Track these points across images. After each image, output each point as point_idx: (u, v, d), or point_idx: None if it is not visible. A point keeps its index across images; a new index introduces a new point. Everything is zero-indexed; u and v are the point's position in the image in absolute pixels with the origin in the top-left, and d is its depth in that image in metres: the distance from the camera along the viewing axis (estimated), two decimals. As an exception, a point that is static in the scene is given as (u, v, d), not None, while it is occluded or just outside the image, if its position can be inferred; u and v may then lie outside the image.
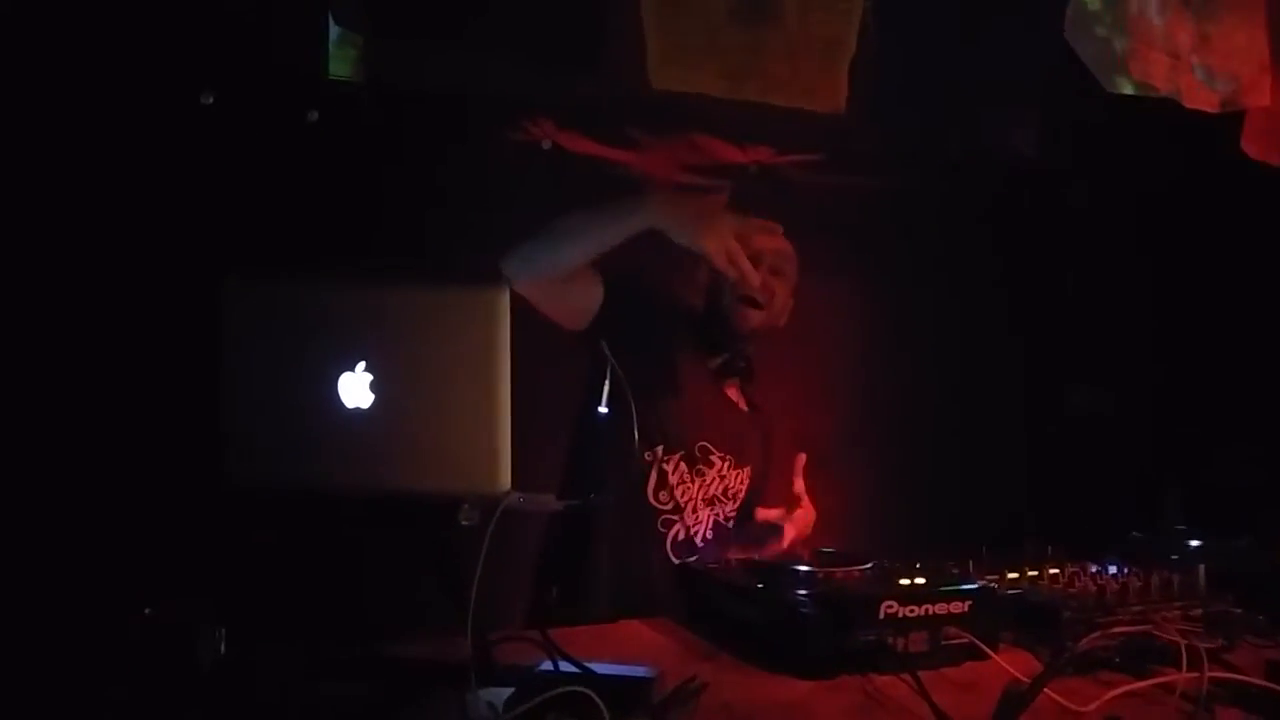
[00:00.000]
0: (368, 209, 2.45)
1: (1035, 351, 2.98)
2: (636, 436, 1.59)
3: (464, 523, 1.17)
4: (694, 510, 2.20)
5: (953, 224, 2.87)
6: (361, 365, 1.20)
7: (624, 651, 1.56)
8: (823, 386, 2.79)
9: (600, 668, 1.33)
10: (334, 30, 2.28)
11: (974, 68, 2.06)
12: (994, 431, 2.96)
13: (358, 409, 1.20)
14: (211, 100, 2.25)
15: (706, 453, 2.20)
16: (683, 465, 2.17)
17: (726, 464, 2.24)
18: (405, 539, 1.23)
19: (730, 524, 2.27)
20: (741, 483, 2.29)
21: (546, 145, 2.69)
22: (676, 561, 2.10)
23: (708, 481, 2.21)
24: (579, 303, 1.97)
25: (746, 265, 1.73)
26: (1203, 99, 2.13)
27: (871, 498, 2.83)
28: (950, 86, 2.05)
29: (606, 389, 1.61)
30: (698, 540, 2.21)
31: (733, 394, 2.31)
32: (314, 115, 2.41)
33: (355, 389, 1.21)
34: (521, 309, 1.21)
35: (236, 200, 2.27)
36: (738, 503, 2.29)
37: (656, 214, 1.75)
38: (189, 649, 1.23)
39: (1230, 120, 2.20)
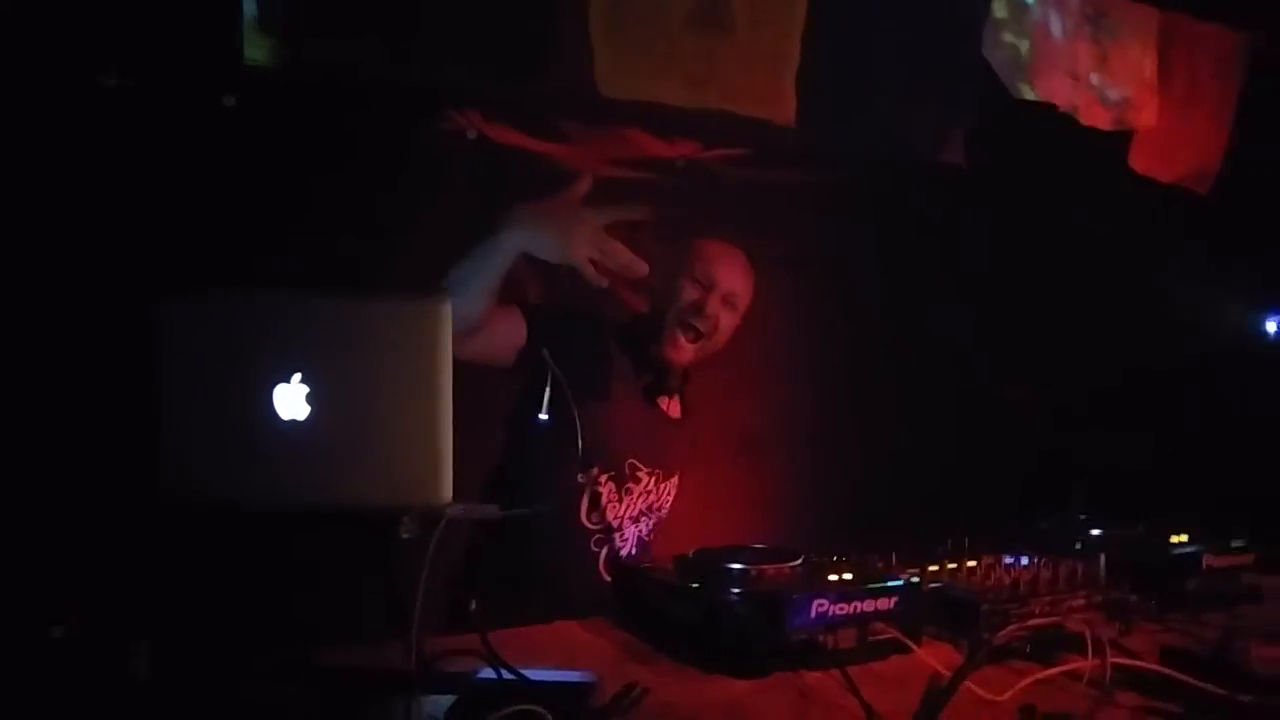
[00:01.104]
0: (291, 201, 2.36)
1: (957, 344, 3.06)
2: (581, 442, 1.57)
3: (404, 535, 1.15)
4: (621, 529, 2.18)
5: (883, 218, 2.91)
6: (297, 377, 1.16)
7: (560, 654, 1.53)
8: (755, 376, 2.80)
9: (539, 674, 1.31)
10: (250, 12, 2.17)
11: (903, 76, 2.10)
12: (919, 423, 3.02)
13: (293, 421, 1.17)
14: (116, 83, 2.11)
15: (634, 469, 2.17)
16: (611, 484, 2.14)
17: (654, 478, 2.21)
18: (344, 550, 1.20)
19: (651, 538, 2.25)
20: (668, 494, 2.27)
21: (472, 135, 2.60)
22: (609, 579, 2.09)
23: (634, 498, 2.18)
24: (502, 342, 1.94)
25: (624, 256, 1.63)
26: (1097, 117, 2.23)
27: (799, 487, 2.86)
28: (880, 93, 2.09)
29: (548, 396, 1.59)
30: (624, 555, 2.17)
31: (663, 403, 2.27)
32: (230, 101, 2.31)
33: (291, 401, 1.17)
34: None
35: (158, 194, 2.16)
36: (662, 514, 2.27)
37: (519, 239, 1.68)
38: (120, 663, 1.18)
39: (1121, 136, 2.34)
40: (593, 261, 1.61)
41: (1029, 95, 2.36)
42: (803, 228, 2.83)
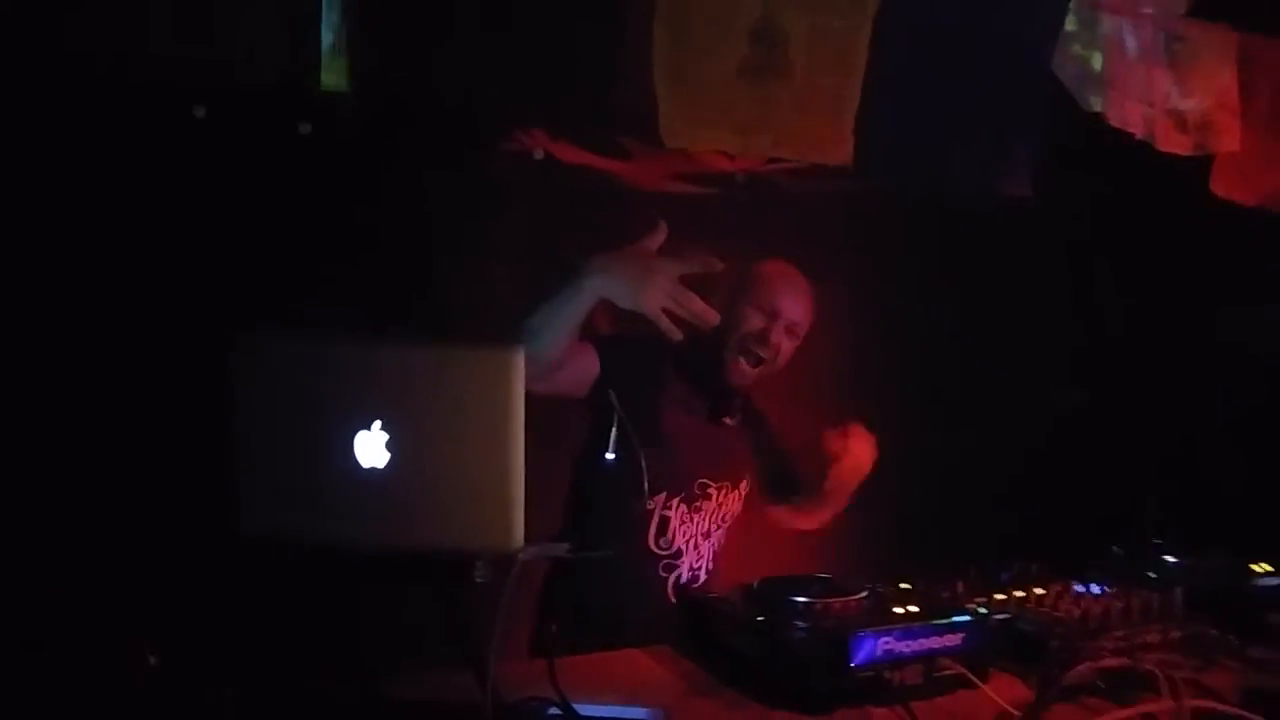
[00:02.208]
0: (365, 225, 2.41)
1: (1022, 359, 2.99)
2: (646, 483, 1.58)
3: (479, 580, 1.17)
4: (695, 547, 2.19)
5: (948, 235, 2.88)
6: (378, 424, 1.19)
7: (626, 685, 1.52)
8: (819, 391, 2.80)
9: (602, 710, 1.33)
10: (327, 39, 2.20)
11: (967, 107, 2.06)
12: (980, 441, 2.96)
13: (373, 468, 1.19)
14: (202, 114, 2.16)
15: (705, 488, 2.18)
16: (683, 507, 2.15)
17: (723, 491, 2.22)
18: (421, 593, 1.23)
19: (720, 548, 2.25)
20: (737, 501, 2.27)
21: (539, 155, 2.62)
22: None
23: (705, 515, 2.19)
24: (575, 376, 1.98)
25: (696, 305, 1.66)
26: (1175, 143, 2.16)
27: (863, 506, 2.84)
28: (943, 126, 2.05)
29: (614, 436, 1.61)
30: (701, 574, 2.20)
31: (729, 420, 2.26)
32: (306, 128, 2.35)
33: (371, 447, 1.19)
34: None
35: (235, 221, 2.22)
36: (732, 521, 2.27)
37: (598, 286, 1.71)
38: (195, 695, 1.22)
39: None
40: (666, 311, 1.63)
41: (1099, 107, 2.30)
42: (863, 245, 2.80)
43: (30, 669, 1.24)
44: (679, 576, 2.16)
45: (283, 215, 2.25)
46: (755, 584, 1.71)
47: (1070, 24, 2.35)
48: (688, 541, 2.17)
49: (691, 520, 2.17)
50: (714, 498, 2.20)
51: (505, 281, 2.54)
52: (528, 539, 1.19)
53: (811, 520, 2.31)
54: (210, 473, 1.20)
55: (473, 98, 2.21)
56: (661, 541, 2.13)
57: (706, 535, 2.20)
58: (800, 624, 1.52)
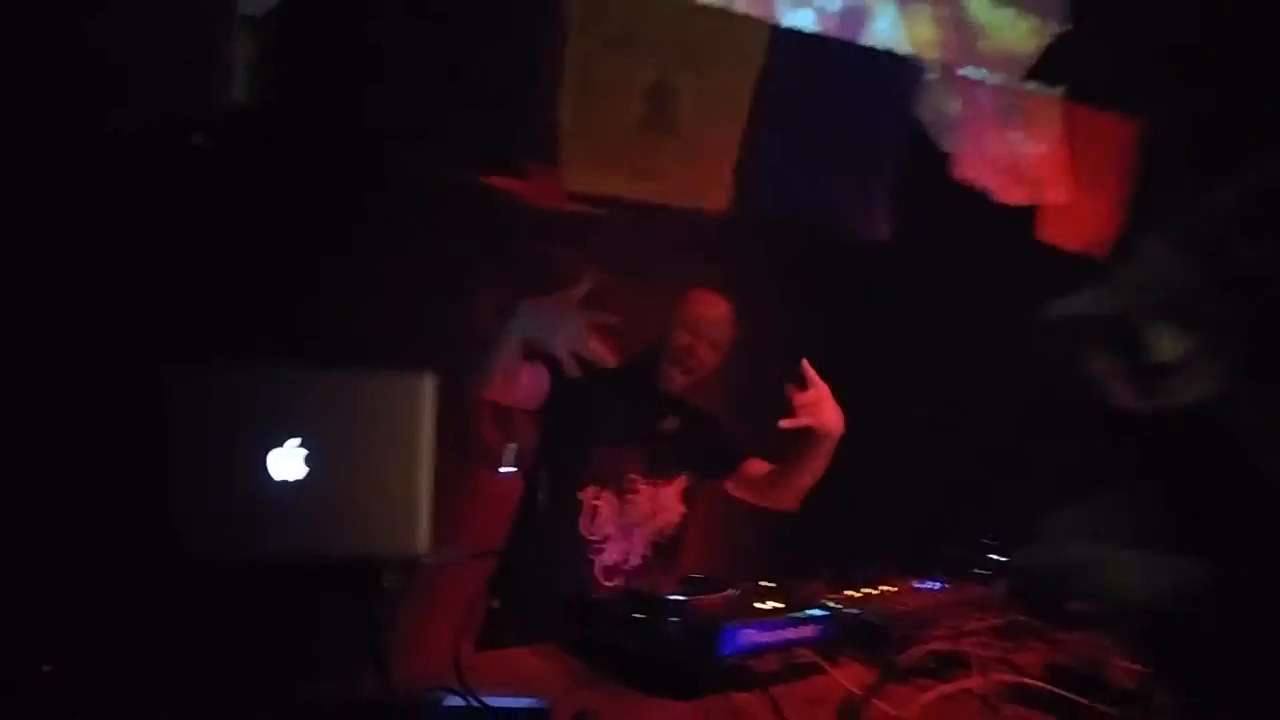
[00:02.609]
0: (274, 244, 2.44)
1: (879, 377, 3.25)
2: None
3: (388, 585, 1.28)
4: (626, 535, 2.47)
5: (818, 266, 3.13)
6: (294, 442, 1.29)
7: (522, 680, 1.64)
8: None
9: (496, 700, 1.46)
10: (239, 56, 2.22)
11: (834, 158, 2.31)
12: (850, 454, 3.22)
13: (286, 481, 1.29)
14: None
15: (633, 483, 2.48)
16: (613, 498, 2.45)
17: (653, 487, 2.51)
18: (332, 600, 1.32)
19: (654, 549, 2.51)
20: (674, 499, 2.55)
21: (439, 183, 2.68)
22: (607, 584, 2.40)
23: (635, 507, 2.48)
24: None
25: (597, 353, 2.11)
26: (1012, 195, 2.46)
27: (729, 515, 3.05)
28: (812, 174, 2.30)
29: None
30: (631, 560, 2.47)
31: (666, 421, 2.57)
32: (199, 139, 2.36)
33: (287, 463, 1.29)
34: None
35: (144, 251, 2.23)
36: (667, 526, 2.54)
37: (519, 328, 2.12)
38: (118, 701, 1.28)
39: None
40: (574, 353, 2.04)
41: (954, 148, 2.59)
42: (737, 271, 3.02)
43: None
44: (606, 560, 2.44)
45: (190, 242, 2.28)
46: (633, 584, 1.88)
47: (933, 71, 2.64)
48: (618, 528, 2.45)
49: (622, 510, 2.46)
50: (643, 493, 2.49)
51: (409, 300, 2.64)
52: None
53: (787, 495, 2.53)
54: (133, 496, 1.27)
55: (389, 127, 2.28)
56: (592, 528, 2.42)
57: (637, 525, 2.48)
58: (674, 619, 1.69)
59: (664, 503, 2.54)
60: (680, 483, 2.57)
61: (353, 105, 2.11)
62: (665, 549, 2.54)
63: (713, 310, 2.53)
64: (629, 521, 2.48)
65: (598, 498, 2.43)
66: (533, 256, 2.78)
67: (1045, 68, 2.67)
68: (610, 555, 2.46)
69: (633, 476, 2.49)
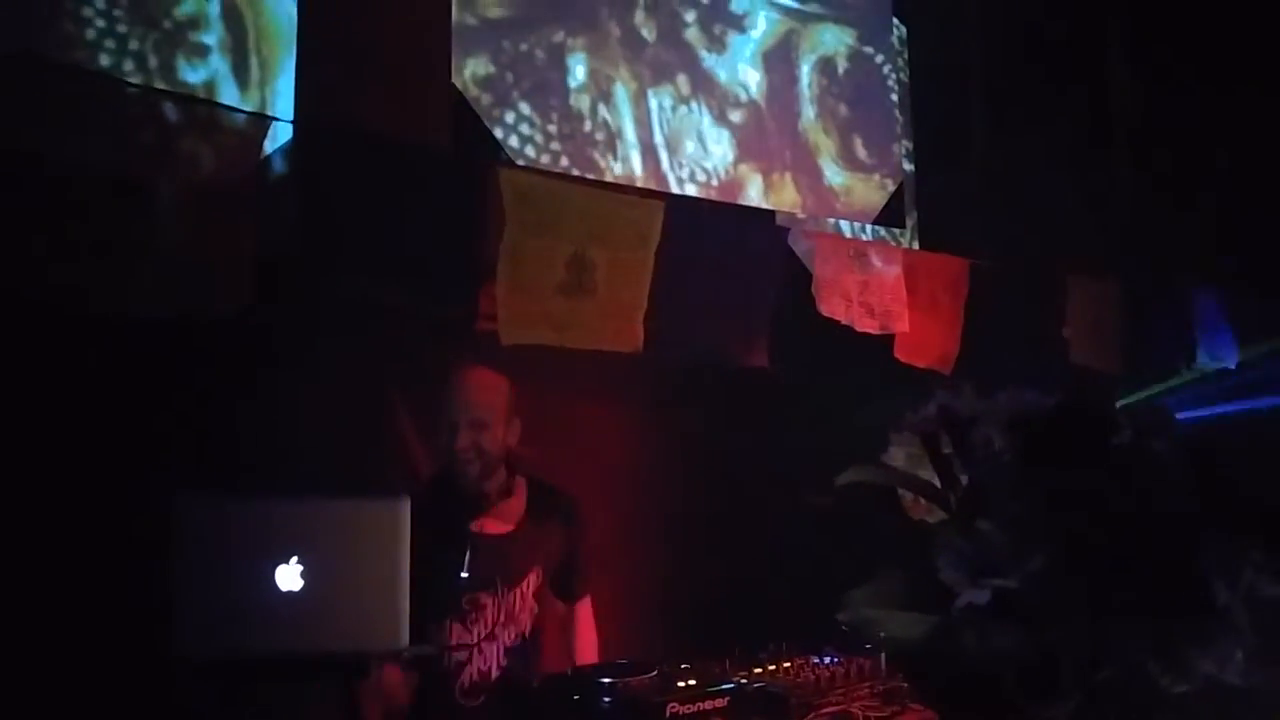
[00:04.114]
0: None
1: (770, 480, 3.66)
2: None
3: (374, 673, 1.54)
4: (480, 652, 2.45)
5: (715, 393, 3.56)
6: (294, 559, 1.57)
7: None
8: (601, 510, 3.30)
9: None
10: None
11: (722, 300, 2.80)
12: (743, 543, 3.57)
13: (291, 591, 1.56)
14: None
15: (476, 600, 2.44)
16: (459, 626, 2.42)
17: (499, 596, 2.48)
18: (324, 687, 1.57)
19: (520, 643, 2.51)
20: (522, 602, 2.53)
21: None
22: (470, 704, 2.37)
23: (485, 625, 2.45)
24: None
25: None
26: (868, 325, 2.97)
27: (651, 602, 3.36)
28: (704, 315, 2.77)
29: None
30: (493, 672, 2.44)
31: (491, 526, 2.50)
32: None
33: (289, 576, 1.57)
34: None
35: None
36: (525, 627, 2.53)
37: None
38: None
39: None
40: None
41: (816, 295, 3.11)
42: (654, 401, 3.42)
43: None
44: (465, 680, 2.43)
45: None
46: (569, 671, 2.15)
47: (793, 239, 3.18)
48: (474, 645, 2.45)
49: (469, 630, 2.44)
50: (488, 607, 2.46)
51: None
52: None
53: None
54: (152, 604, 1.52)
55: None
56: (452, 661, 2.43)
57: (491, 639, 2.46)
58: (607, 698, 1.98)
59: (513, 608, 2.51)
60: (530, 581, 2.54)
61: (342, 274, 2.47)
62: (520, 653, 2.52)
63: (467, 387, 2.48)
64: (482, 638, 2.44)
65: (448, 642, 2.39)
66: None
67: (888, 214, 3.22)
68: (469, 676, 2.42)
69: (473, 595, 2.44)
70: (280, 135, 2.54)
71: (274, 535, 1.56)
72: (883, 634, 0.84)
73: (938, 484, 0.89)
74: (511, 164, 3.01)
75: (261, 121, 2.40)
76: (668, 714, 1.95)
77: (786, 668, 2.38)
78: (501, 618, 2.49)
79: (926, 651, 0.80)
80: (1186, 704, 0.69)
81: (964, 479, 0.87)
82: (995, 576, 0.72)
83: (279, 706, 1.56)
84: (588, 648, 2.66)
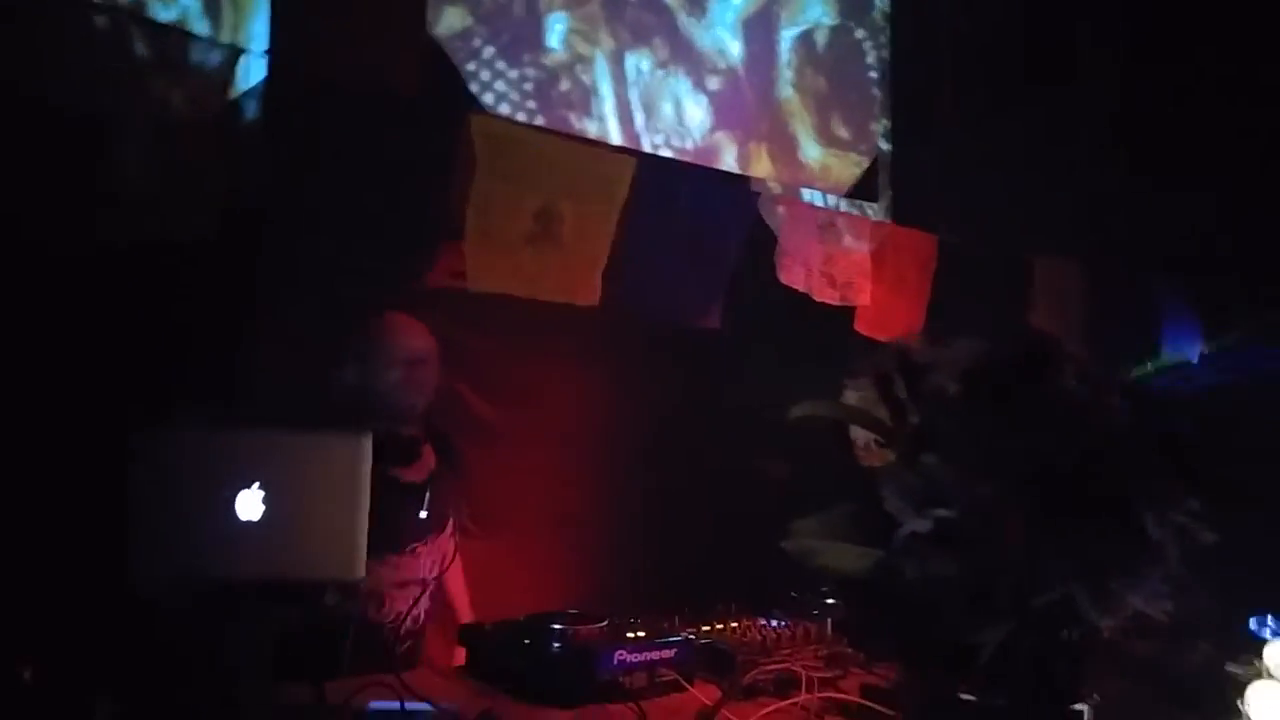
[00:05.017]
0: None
1: (730, 440, 3.72)
2: None
3: (330, 603, 1.56)
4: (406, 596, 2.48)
5: (669, 351, 3.59)
6: (256, 485, 1.58)
7: (415, 694, 1.94)
8: (574, 462, 3.33)
9: (415, 705, 1.75)
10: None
11: (679, 262, 2.83)
12: (697, 502, 3.64)
13: (250, 520, 1.58)
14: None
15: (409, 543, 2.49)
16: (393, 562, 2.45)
17: (429, 542, 2.54)
18: (280, 615, 1.59)
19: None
20: (437, 556, 2.58)
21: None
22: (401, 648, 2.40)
23: (418, 564, 2.52)
24: None
25: None
26: (827, 295, 3.02)
27: (605, 558, 3.41)
28: (661, 274, 2.80)
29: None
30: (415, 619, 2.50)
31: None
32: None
33: (250, 504, 1.58)
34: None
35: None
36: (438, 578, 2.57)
37: None
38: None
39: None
40: None
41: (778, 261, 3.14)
42: (608, 357, 3.44)
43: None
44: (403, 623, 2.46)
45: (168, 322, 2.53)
46: (522, 618, 2.19)
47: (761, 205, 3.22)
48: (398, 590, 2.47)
49: (398, 573, 2.47)
50: (420, 552, 2.52)
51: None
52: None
53: None
54: (113, 533, 1.52)
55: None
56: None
57: (402, 586, 2.48)
58: (557, 643, 2.02)
59: (439, 552, 2.56)
60: (449, 528, 2.61)
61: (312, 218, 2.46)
62: (440, 598, 2.61)
63: (398, 332, 2.51)
64: (406, 580, 2.48)
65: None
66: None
67: (862, 188, 3.25)
68: (393, 616, 2.44)
69: (406, 539, 2.49)
70: (253, 77, 2.52)
71: (236, 466, 1.56)
72: (823, 563, 0.88)
73: (888, 423, 0.93)
74: (484, 112, 3.01)
75: (232, 56, 2.38)
76: (615, 661, 2.00)
77: (734, 627, 2.44)
78: (430, 563, 2.56)
79: (867, 581, 0.84)
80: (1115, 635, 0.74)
81: (913, 420, 0.91)
82: (938, 507, 0.76)
83: (237, 634, 1.57)
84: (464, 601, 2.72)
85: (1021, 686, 0.72)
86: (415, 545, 2.51)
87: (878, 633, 0.92)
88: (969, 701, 0.75)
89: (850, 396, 0.98)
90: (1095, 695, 0.73)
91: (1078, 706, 0.72)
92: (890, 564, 0.79)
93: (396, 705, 1.67)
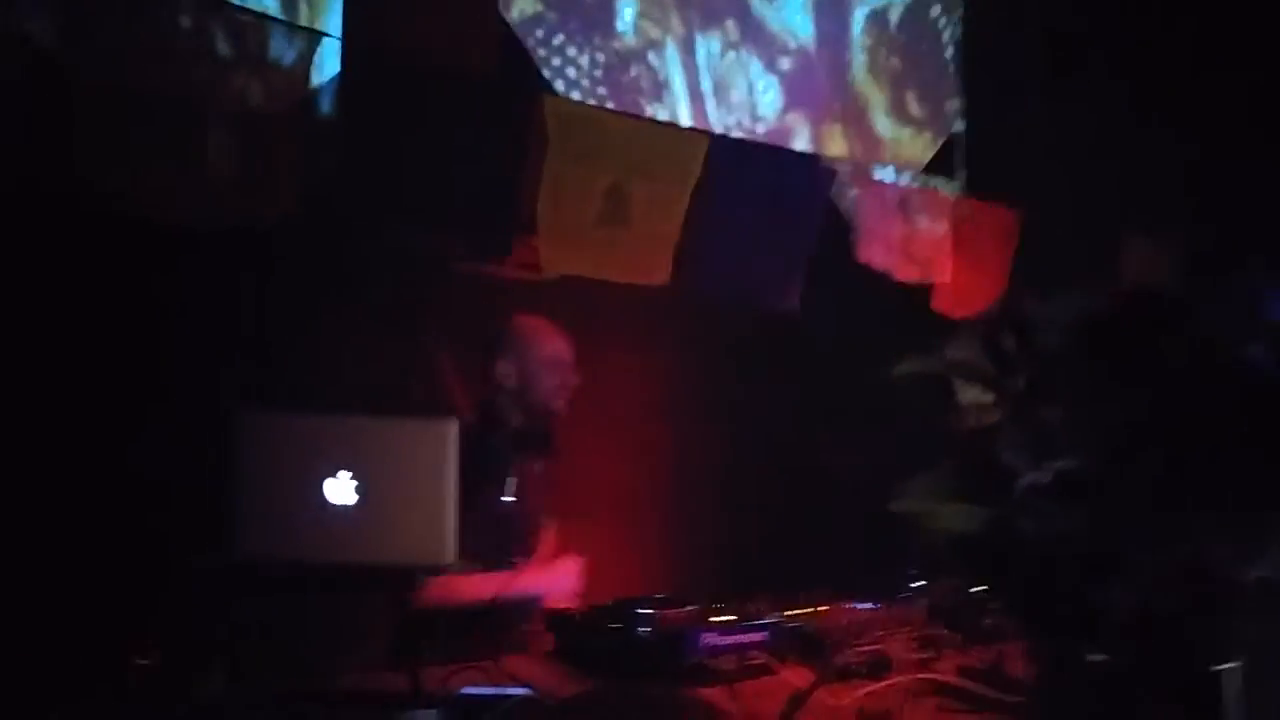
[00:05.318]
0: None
1: (806, 424, 3.65)
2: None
3: (419, 588, 1.56)
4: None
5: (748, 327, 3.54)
6: (345, 473, 1.59)
7: (506, 680, 1.90)
8: (636, 452, 3.32)
9: (512, 690, 1.75)
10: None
11: (759, 244, 2.78)
12: (781, 489, 3.59)
13: (341, 504, 1.59)
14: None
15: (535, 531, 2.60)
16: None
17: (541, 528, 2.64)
18: (370, 600, 1.61)
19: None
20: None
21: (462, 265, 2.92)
22: None
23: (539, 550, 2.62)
24: None
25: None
26: (908, 273, 2.93)
27: (690, 543, 3.40)
28: (738, 254, 2.76)
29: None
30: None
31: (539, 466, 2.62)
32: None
33: (339, 489, 1.60)
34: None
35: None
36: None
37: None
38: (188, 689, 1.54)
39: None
40: None
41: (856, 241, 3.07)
42: (684, 333, 3.41)
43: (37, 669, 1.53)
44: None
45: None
46: (609, 603, 2.18)
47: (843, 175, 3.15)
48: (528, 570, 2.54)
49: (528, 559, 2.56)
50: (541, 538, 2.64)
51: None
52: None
53: None
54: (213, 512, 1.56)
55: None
56: None
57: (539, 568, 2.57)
58: (644, 628, 2.00)
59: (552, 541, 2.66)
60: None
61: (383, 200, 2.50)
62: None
63: (540, 338, 2.57)
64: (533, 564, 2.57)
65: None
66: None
67: (937, 165, 3.16)
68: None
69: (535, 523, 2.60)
70: (329, 69, 2.57)
71: (327, 450, 1.58)
72: (933, 524, 0.83)
73: (997, 374, 0.88)
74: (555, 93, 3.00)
75: (310, 42, 2.42)
76: (704, 644, 1.97)
77: (822, 610, 2.39)
78: (547, 550, 2.64)
79: (981, 542, 0.79)
80: (1253, 593, 0.68)
81: (1024, 374, 0.86)
82: (1059, 459, 0.71)
83: (327, 616, 1.59)
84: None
85: (1157, 646, 0.67)
86: (540, 527, 2.61)
87: (995, 594, 0.87)
88: (1099, 663, 0.70)
89: (952, 353, 0.93)
90: (1241, 654, 0.67)
91: (1223, 666, 0.67)
92: (1007, 522, 0.75)
93: (492, 690, 1.66)
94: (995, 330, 0.88)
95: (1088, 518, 0.72)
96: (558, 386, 2.56)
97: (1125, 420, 0.74)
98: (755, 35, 3.52)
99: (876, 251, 2.85)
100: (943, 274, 2.98)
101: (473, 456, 2.08)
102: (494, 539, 2.43)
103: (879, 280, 2.95)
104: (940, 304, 3.04)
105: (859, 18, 3.81)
